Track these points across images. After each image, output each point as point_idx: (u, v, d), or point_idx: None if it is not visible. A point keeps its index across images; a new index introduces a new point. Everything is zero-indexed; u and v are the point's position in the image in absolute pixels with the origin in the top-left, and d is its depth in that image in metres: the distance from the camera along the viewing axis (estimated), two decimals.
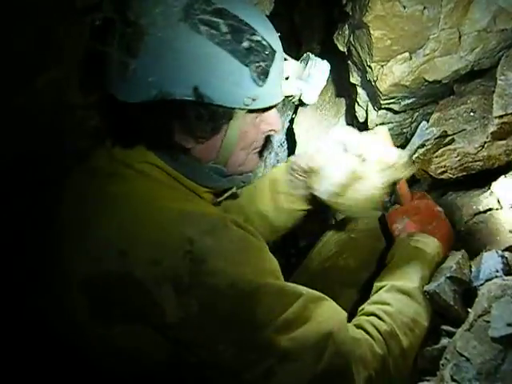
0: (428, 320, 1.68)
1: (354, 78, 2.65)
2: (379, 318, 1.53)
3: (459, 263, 1.92)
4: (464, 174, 2.29)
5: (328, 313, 1.47)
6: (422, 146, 2.36)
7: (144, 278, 1.29)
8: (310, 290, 1.50)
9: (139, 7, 1.41)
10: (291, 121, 3.35)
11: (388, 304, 1.61)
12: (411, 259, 1.80)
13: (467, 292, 1.85)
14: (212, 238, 1.34)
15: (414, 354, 1.57)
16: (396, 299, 1.65)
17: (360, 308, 1.73)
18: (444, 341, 1.70)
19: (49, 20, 2.10)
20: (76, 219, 1.45)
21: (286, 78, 1.64)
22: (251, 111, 1.49)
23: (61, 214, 1.50)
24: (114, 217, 1.39)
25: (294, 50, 3.05)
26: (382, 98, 2.41)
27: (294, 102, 1.90)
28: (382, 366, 1.43)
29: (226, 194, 1.74)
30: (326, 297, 1.53)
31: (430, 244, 1.85)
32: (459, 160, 2.22)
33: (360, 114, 2.69)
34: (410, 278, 1.74)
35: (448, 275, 1.92)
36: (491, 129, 2.06)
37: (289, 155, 3.44)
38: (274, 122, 1.63)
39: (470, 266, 1.83)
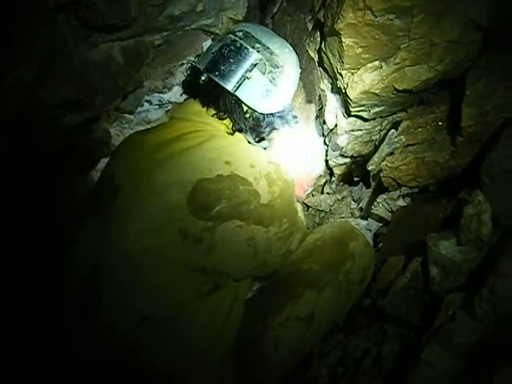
0: None
1: (325, 85, 2.66)
2: None
3: (416, 272, 1.95)
4: (432, 182, 2.31)
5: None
6: (391, 153, 2.39)
7: (247, 176, 1.81)
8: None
9: (282, 54, 2.13)
10: None
11: None
12: None
13: (428, 298, 1.89)
14: (274, 155, 2.02)
15: None
16: None
17: None
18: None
19: (19, 18, 2.08)
20: (178, 152, 1.85)
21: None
22: None
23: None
24: (213, 145, 1.87)
25: None
26: (352, 105, 2.43)
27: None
28: None
29: None
30: None
31: None
32: (427, 168, 2.25)
33: (329, 121, 2.70)
34: None
35: (401, 286, 1.96)
36: (459, 138, 2.08)
37: None
38: None
39: (429, 272, 1.85)
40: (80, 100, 2.55)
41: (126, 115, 3.25)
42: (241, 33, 2.12)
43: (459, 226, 1.79)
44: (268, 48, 2.10)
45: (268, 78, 2.08)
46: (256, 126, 2.15)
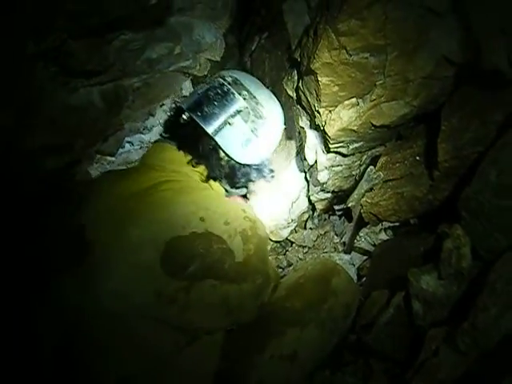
0: None
1: (303, 122, 2.69)
2: None
3: (399, 306, 1.96)
4: (411, 216, 2.33)
5: None
6: (370, 189, 2.41)
7: (221, 233, 1.77)
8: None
9: (268, 106, 2.19)
10: None
11: None
12: None
13: (412, 332, 1.89)
14: (252, 210, 2.02)
15: None
16: None
17: None
18: None
19: None
20: (151, 205, 1.80)
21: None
22: None
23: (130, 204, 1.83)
24: (187, 198, 1.84)
25: None
26: (331, 142, 2.45)
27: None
28: None
29: None
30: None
31: None
32: (406, 203, 2.27)
33: (309, 158, 2.72)
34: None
35: (384, 321, 1.96)
36: (436, 173, 2.11)
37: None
38: None
39: (412, 307, 1.86)
40: (60, 145, 2.55)
41: (108, 157, 3.25)
42: (230, 78, 2.15)
43: (440, 260, 1.81)
44: (255, 97, 2.13)
45: (250, 128, 2.11)
46: (231, 175, 2.15)
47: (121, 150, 3.30)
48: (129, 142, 3.33)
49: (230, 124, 2.06)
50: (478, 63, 1.93)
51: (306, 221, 3.25)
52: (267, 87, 2.36)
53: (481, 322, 1.50)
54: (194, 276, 1.69)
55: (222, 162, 2.12)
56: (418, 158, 2.30)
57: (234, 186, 2.22)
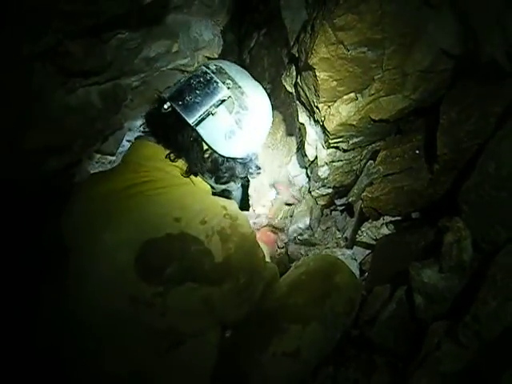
0: None
1: (303, 118, 2.68)
2: None
3: (401, 300, 1.96)
4: (412, 210, 2.33)
5: None
6: (370, 184, 2.41)
7: (198, 234, 1.70)
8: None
9: (254, 97, 2.05)
10: None
11: None
12: None
13: (414, 326, 1.89)
14: (235, 206, 1.90)
15: None
16: None
17: None
18: None
19: None
20: (126, 207, 1.76)
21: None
22: None
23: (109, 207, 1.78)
24: (162, 198, 1.79)
25: None
26: (330, 137, 2.45)
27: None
28: None
29: None
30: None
31: None
32: (407, 197, 2.27)
33: (310, 153, 2.72)
34: None
35: (387, 316, 1.95)
36: (436, 166, 2.10)
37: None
38: None
39: (414, 301, 1.86)
40: (60, 145, 2.54)
41: (108, 157, 3.25)
42: (214, 66, 2.05)
43: (441, 253, 1.80)
44: (239, 87, 2.02)
45: (234, 119, 1.98)
46: (214, 170, 2.05)
47: (121, 149, 3.30)
48: (129, 141, 3.33)
49: (212, 114, 1.93)
50: (475, 56, 1.92)
51: None
52: (266, 83, 2.33)
53: (482, 314, 1.50)
54: (171, 280, 1.64)
55: (205, 155, 2.00)
56: (417, 151, 2.30)
57: (218, 181, 2.10)
